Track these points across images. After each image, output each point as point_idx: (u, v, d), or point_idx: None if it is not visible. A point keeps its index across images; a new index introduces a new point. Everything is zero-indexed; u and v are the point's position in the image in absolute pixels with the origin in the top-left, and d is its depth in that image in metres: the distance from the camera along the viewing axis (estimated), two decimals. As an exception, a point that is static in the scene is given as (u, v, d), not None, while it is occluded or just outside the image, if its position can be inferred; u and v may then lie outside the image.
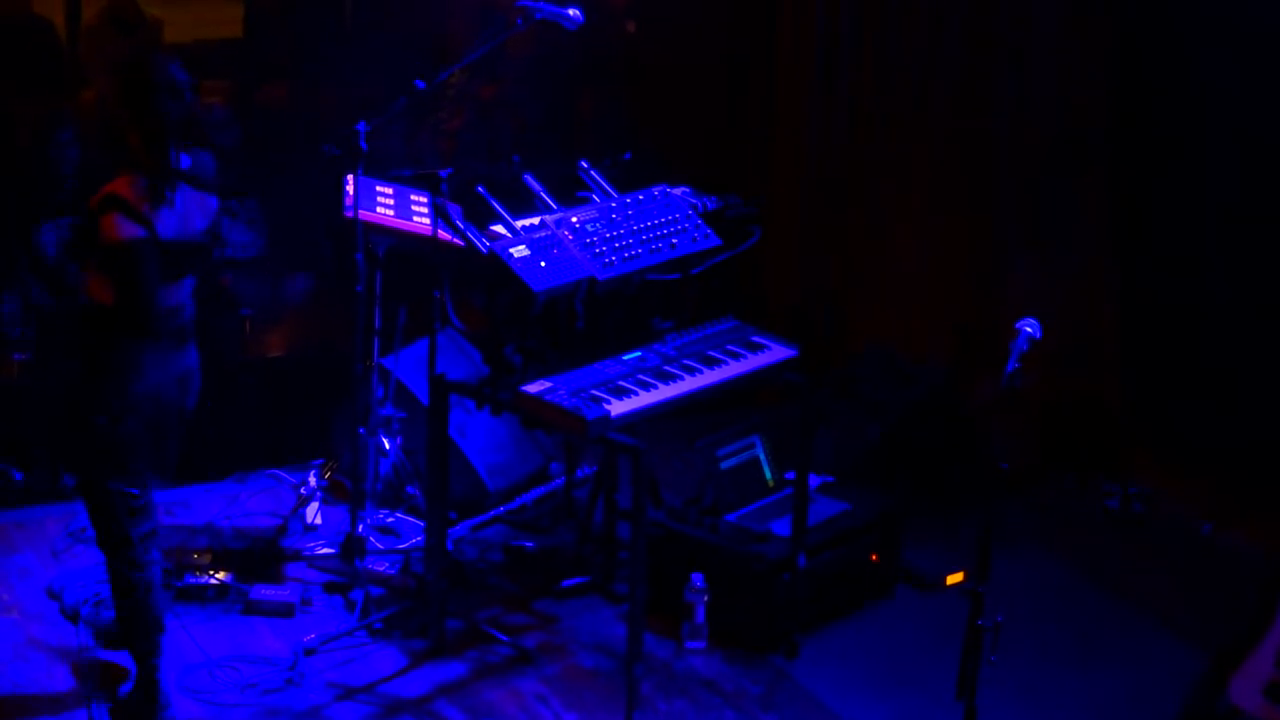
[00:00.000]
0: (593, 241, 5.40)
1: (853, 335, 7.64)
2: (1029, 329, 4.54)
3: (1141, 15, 7.11)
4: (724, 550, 5.72)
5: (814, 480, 6.03)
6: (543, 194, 5.59)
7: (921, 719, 5.35)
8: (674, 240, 5.56)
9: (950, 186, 7.37)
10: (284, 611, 5.78)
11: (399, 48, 7.29)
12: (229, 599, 5.85)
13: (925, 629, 5.84)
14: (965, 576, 4.52)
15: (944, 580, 5.98)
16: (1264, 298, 6.78)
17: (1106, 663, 5.77)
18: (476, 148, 7.52)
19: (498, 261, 5.16)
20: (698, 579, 5.67)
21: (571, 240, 5.36)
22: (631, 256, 5.43)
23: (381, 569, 6.11)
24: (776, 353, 5.55)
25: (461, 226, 5.23)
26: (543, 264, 5.21)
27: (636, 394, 5.15)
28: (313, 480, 6.58)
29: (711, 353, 5.47)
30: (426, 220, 5.60)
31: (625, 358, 5.34)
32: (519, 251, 5.21)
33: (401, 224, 5.86)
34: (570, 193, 5.70)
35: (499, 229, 5.33)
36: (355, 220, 5.74)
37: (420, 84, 5.59)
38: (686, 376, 5.31)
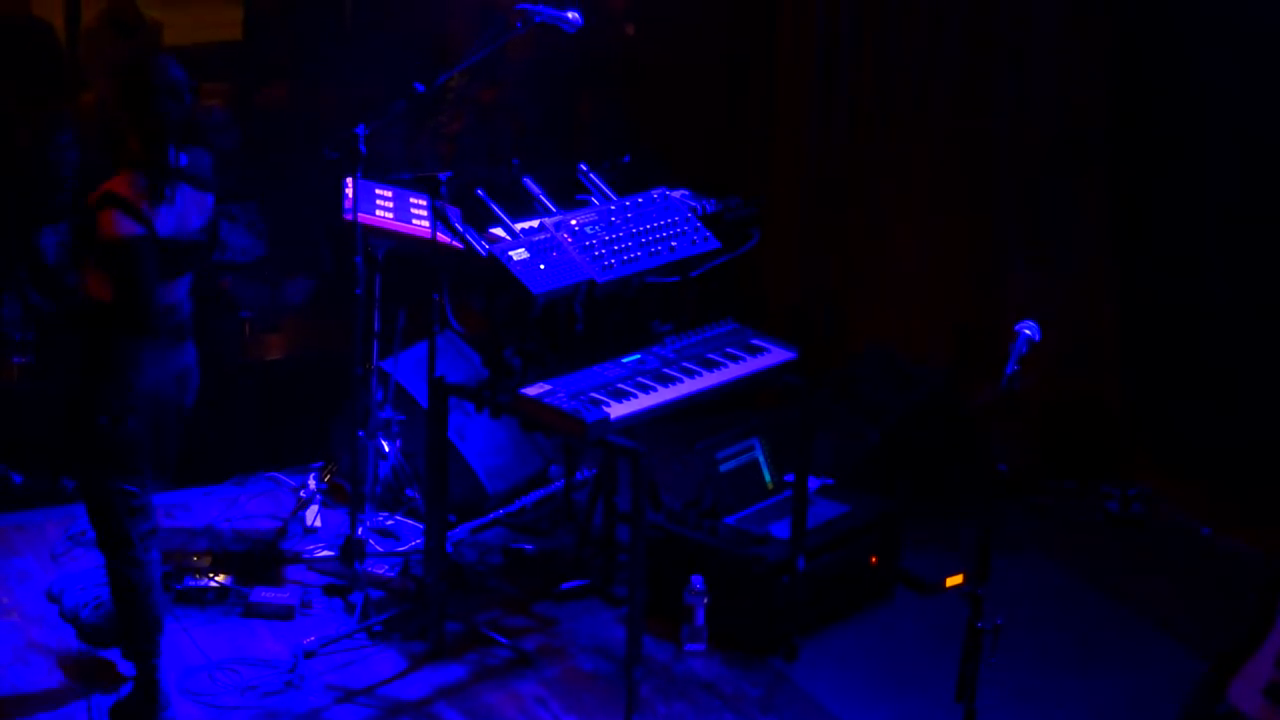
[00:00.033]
0: (592, 244, 5.40)
1: (852, 336, 7.63)
2: (1028, 331, 4.54)
3: (1141, 15, 7.11)
4: (723, 553, 5.72)
5: (813, 483, 6.03)
6: (542, 197, 5.59)
7: (921, 721, 5.36)
8: (673, 243, 5.56)
9: (950, 186, 7.37)
10: (284, 614, 5.78)
11: (398, 50, 7.30)
12: (229, 602, 5.85)
13: (925, 631, 5.84)
14: (964, 579, 4.51)
15: (943, 582, 5.96)
16: (1264, 298, 6.77)
17: (1106, 665, 5.76)
18: (476, 151, 7.53)
19: (497, 264, 5.16)
20: (697, 581, 5.67)
21: (571, 243, 5.36)
22: (631, 259, 5.43)
23: (381, 572, 6.11)
24: (776, 355, 5.55)
25: (461, 229, 5.23)
26: (542, 267, 5.21)
27: (636, 397, 5.15)
28: (312, 483, 6.58)
29: (711, 355, 5.47)
30: (426, 223, 5.60)
31: (624, 360, 5.34)
32: (518, 254, 5.21)
33: (401, 227, 5.86)
34: (569, 195, 5.70)
35: (498, 232, 5.33)
36: (354, 223, 5.74)
37: (419, 87, 5.59)
38: (686, 379, 5.31)
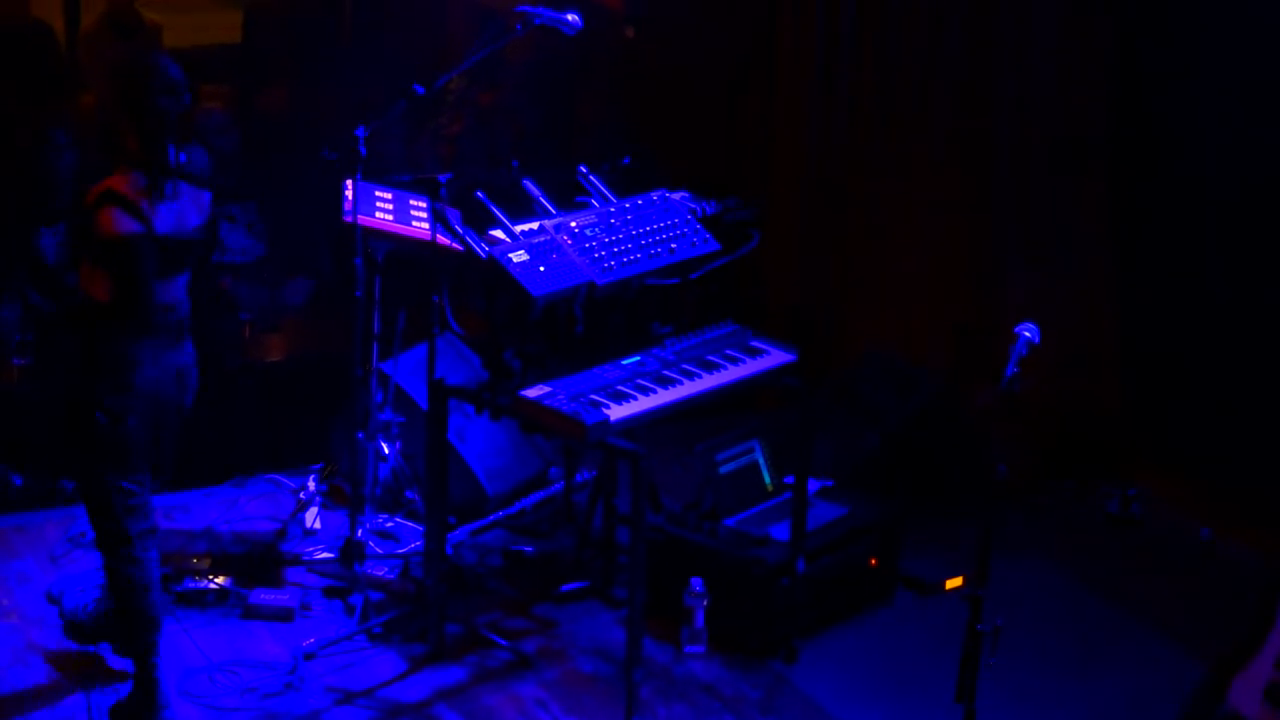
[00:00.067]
0: (592, 246, 5.40)
1: (852, 337, 7.63)
2: (1027, 334, 4.55)
3: (1141, 15, 7.11)
4: (723, 555, 5.72)
5: (813, 485, 6.03)
6: (542, 199, 5.59)
7: (921, 723, 5.37)
8: (673, 245, 5.56)
9: (950, 187, 7.36)
10: (283, 616, 5.78)
11: (398, 53, 7.30)
12: (228, 603, 5.85)
13: (924, 633, 5.84)
14: (964, 581, 4.52)
15: (943, 584, 5.96)
16: (1264, 299, 6.77)
17: (1105, 666, 5.77)
18: (475, 153, 7.53)
19: (497, 266, 5.16)
20: (697, 584, 5.67)
21: (570, 245, 5.36)
22: (630, 261, 5.43)
23: (380, 573, 6.11)
24: (775, 357, 5.55)
25: (460, 231, 5.23)
26: (542, 269, 5.22)
27: (635, 399, 5.15)
28: (312, 485, 6.58)
29: (710, 357, 5.47)
30: (426, 225, 5.61)
31: (624, 362, 5.34)
32: (518, 256, 5.21)
33: (401, 229, 5.86)
34: (569, 198, 5.70)
35: (498, 234, 5.33)
36: (354, 225, 5.75)
37: (419, 89, 5.60)
38: (685, 381, 5.31)
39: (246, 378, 7.02)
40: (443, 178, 5.26)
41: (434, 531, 5.54)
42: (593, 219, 5.52)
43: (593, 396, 5.10)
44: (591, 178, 5.77)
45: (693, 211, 5.73)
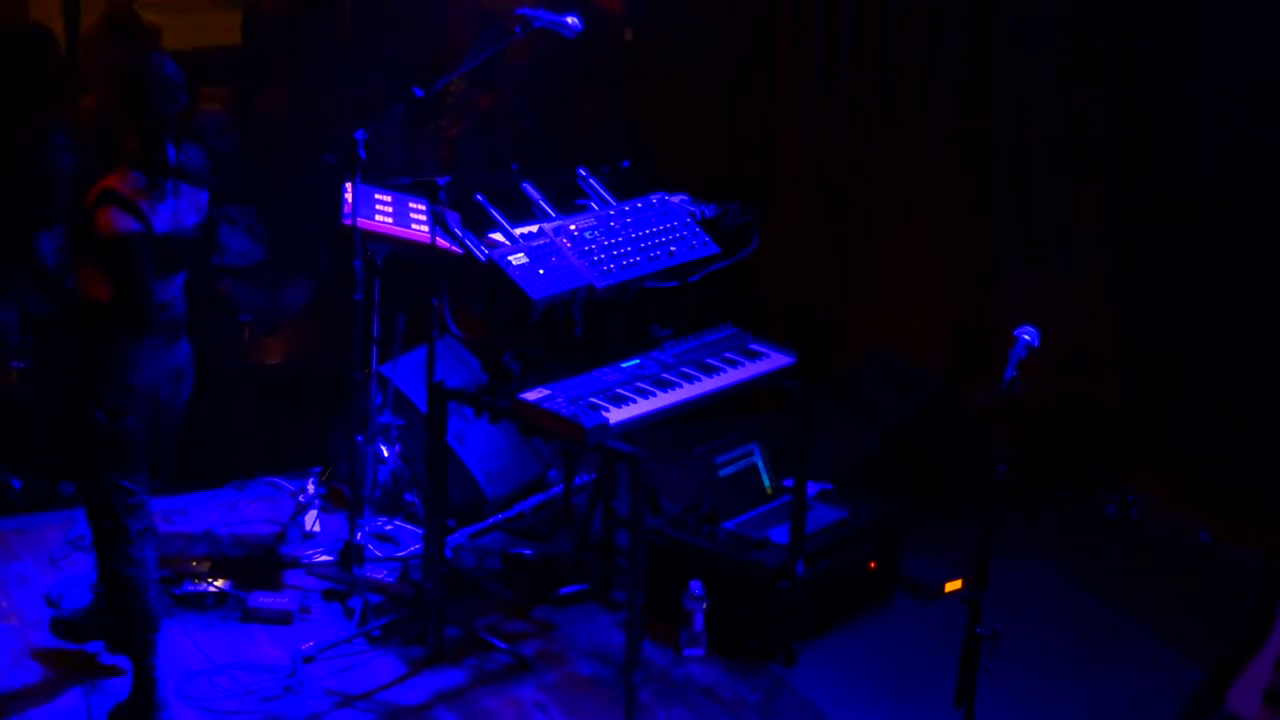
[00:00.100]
0: (591, 249, 5.40)
1: (852, 337, 7.63)
2: (1027, 337, 4.55)
3: (1141, 15, 7.11)
4: (722, 558, 5.72)
5: (812, 487, 6.03)
6: (541, 202, 5.59)
7: (920, 727, 5.36)
8: (672, 248, 5.56)
9: (950, 187, 7.36)
10: (283, 619, 5.78)
11: (398, 55, 7.30)
12: (228, 606, 5.85)
13: (924, 636, 5.84)
14: (964, 584, 4.52)
15: (942, 588, 5.98)
16: (1263, 301, 6.77)
17: (1105, 669, 5.76)
18: (475, 156, 7.53)
19: (496, 269, 5.16)
20: (696, 586, 5.67)
21: (570, 248, 5.36)
22: (630, 264, 5.43)
23: (380, 576, 6.11)
24: (774, 360, 5.55)
25: (460, 234, 5.23)
26: (541, 272, 5.22)
27: (635, 402, 5.15)
28: (311, 488, 6.58)
29: (710, 360, 5.47)
30: (425, 228, 5.61)
31: (623, 365, 5.34)
32: (517, 259, 5.21)
33: (400, 232, 5.86)
34: (569, 200, 5.70)
35: (497, 237, 5.33)
36: (354, 228, 5.75)
37: (419, 92, 5.60)
38: (685, 384, 5.31)
39: (246, 380, 7.02)
40: (442, 181, 5.26)
41: (433, 534, 5.54)
42: (592, 222, 5.53)
43: (592, 399, 5.10)
44: (591, 180, 5.77)
45: (692, 214, 5.73)
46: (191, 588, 5.87)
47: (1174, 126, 7.08)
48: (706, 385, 5.34)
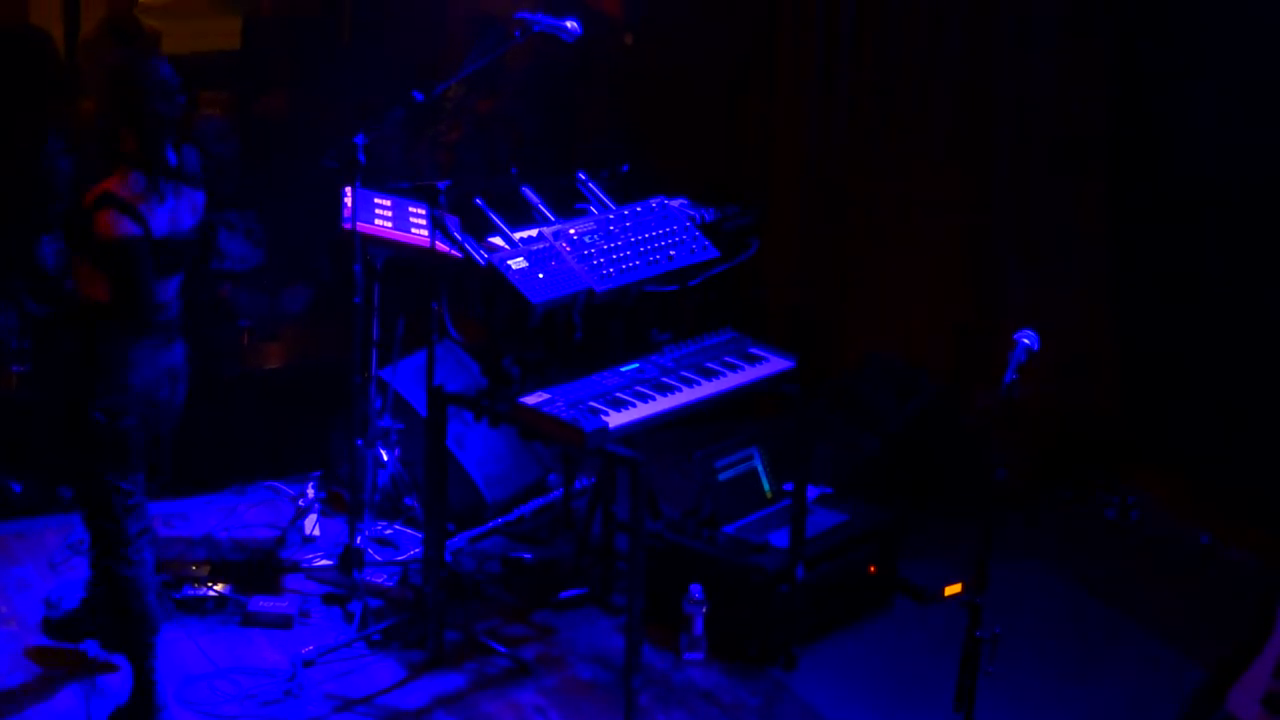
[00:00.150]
0: (591, 253, 5.40)
1: (852, 337, 7.63)
2: (1026, 340, 4.54)
3: (1141, 15, 7.11)
4: (722, 562, 5.72)
5: (812, 491, 6.03)
6: (540, 206, 5.59)
7: (920, 730, 5.36)
8: (672, 252, 5.56)
9: (950, 187, 7.36)
10: (282, 623, 5.78)
11: (397, 59, 7.30)
12: (227, 610, 5.84)
13: (924, 640, 5.84)
14: (963, 588, 4.52)
15: (942, 591, 5.98)
16: (1264, 300, 6.77)
17: (1105, 672, 5.76)
18: (474, 160, 7.53)
19: (496, 273, 5.17)
20: (696, 590, 5.67)
21: (569, 252, 5.36)
22: (629, 268, 5.44)
23: (380, 580, 6.11)
24: (774, 364, 5.55)
25: (459, 238, 5.23)
26: (541, 276, 5.22)
27: (634, 406, 5.15)
28: (311, 492, 6.58)
29: (709, 364, 5.47)
30: (425, 232, 5.61)
31: (623, 369, 5.34)
32: (517, 263, 5.21)
33: (400, 236, 5.87)
34: (568, 204, 5.70)
35: (497, 241, 5.33)
36: (354, 232, 5.75)
37: (418, 96, 5.60)
38: (684, 388, 5.31)
39: (245, 385, 7.01)
40: (442, 185, 5.26)
41: (433, 538, 5.54)
42: (591, 226, 5.53)
43: (591, 403, 5.10)
44: (590, 185, 5.77)
45: (691, 218, 5.73)
46: (191, 591, 5.87)
47: (1174, 126, 7.08)
48: (706, 389, 5.35)
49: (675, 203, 5.80)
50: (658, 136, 7.71)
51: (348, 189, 5.77)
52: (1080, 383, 7.26)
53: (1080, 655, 5.86)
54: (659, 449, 6.27)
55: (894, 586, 6.13)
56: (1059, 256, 7.25)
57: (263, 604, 5.83)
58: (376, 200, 5.87)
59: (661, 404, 5.21)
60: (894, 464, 6.73)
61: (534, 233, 5.41)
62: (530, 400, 5.08)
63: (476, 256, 5.20)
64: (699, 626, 5.68)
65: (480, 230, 5.35)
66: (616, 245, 5.47)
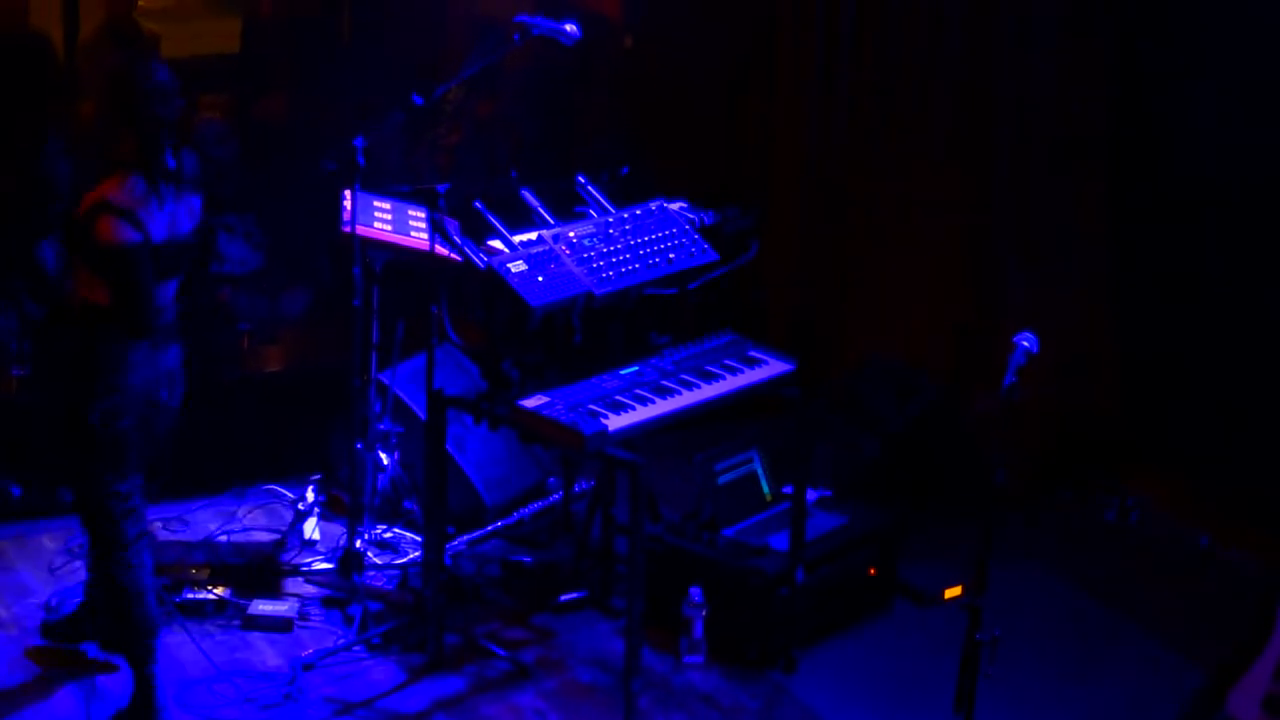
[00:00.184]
0: (590, 256, 5.40)
1: (852, 338, 7.63)
2: (1026, 343, 4.54)
3: (1141, 15, 7.10)
4: (722, 565, 5.72)
5: (812, 494, 6.03)
6: (540, 209, 5.59)
7: (920, 733, 5.36)
8: (671, 255, 5.56)
9: (950, 187, 7.35)
10: (282, 626, 5.78)
11: (397, 63, 7.30)
12: (227, 614, 5.85)
13: (924, 642, 5.83)
14: (963, 590, 4.52)
15: (942, 594, 5.96)
16: (1264, 303, 6.77)
17: (1105, 674, 5.76)
18: (474, 163, 7.53)
19: (495, 276, 5.17)
20: (696, 593, 5.67)
21: (569, 255, 5.36)
22: (628, 271, 5.43)
23: (379, 584, 6.11)
24: (774, 367, 5.55)
25: (459, 241, 5.23)
26: (540, 279, 5.22)
27: (634, 409, 5.15)
28: (311, 495, 6.58)
29: (709, 367, 5.47)
30: (424, 235, 5.61)
31: (623, 373, 5.34)
32: (516, 266, 5.21)
33: (399, 239, 5.86)
34: (568, 208, 5.70)
35: (496, 244, 5.33)
36: (353, 235, 5.75)
37: (418, 99, 5.60)
38: (684, 391, 5.31)
39: (245, 388, 7.02)
40: (441, 188, 5.26)
41: (432, 541, 5.54)
42: (591, 229, 5.53)
43: (591, 406, 5.10)
44: (590, 188, 5.77)
45: (691, 221, 5.73)
46: (191, 595, 5.87)
47: (1174, 126, 7.07)
48: (706, 392, 5.34)
49: (675, 206, 5.80)
50: (657, 139, 7.71)
51: (347, 192, 5.77)
52: (1080, 383, 7.25)
53: (1080, 657, 5.86)
54: (659, 452, 6.26)
55: (894, 589, 6.13)
56: (1059, 256, 7.25)
57: (262, 607, 5.84)
58: (376, 203, 5.87)
59: (661, 407, 5.21)
60: (894, 466, 6.73)
61: (533, 236, 5.41)
62: (530, 403, 5.08)
63: (476, 260, 5.20)
64: (699, 629, 5.67)
65: (480, 233, 5.35)
66: (616, 248, 5.47)
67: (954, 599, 4.60)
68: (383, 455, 6.34)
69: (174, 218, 4.87)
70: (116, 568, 5.00)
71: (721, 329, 5.69)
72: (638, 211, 5.70)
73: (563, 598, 6.04)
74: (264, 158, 7.41)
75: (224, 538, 6.39)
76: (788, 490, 5.94)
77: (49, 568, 6.15)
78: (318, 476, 6.74)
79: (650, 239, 5.57)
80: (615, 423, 5.05)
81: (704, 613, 5.67)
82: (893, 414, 6.88)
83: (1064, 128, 7.18)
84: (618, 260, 5.44)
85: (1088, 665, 5.81)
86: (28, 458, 6.48)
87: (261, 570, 6.12)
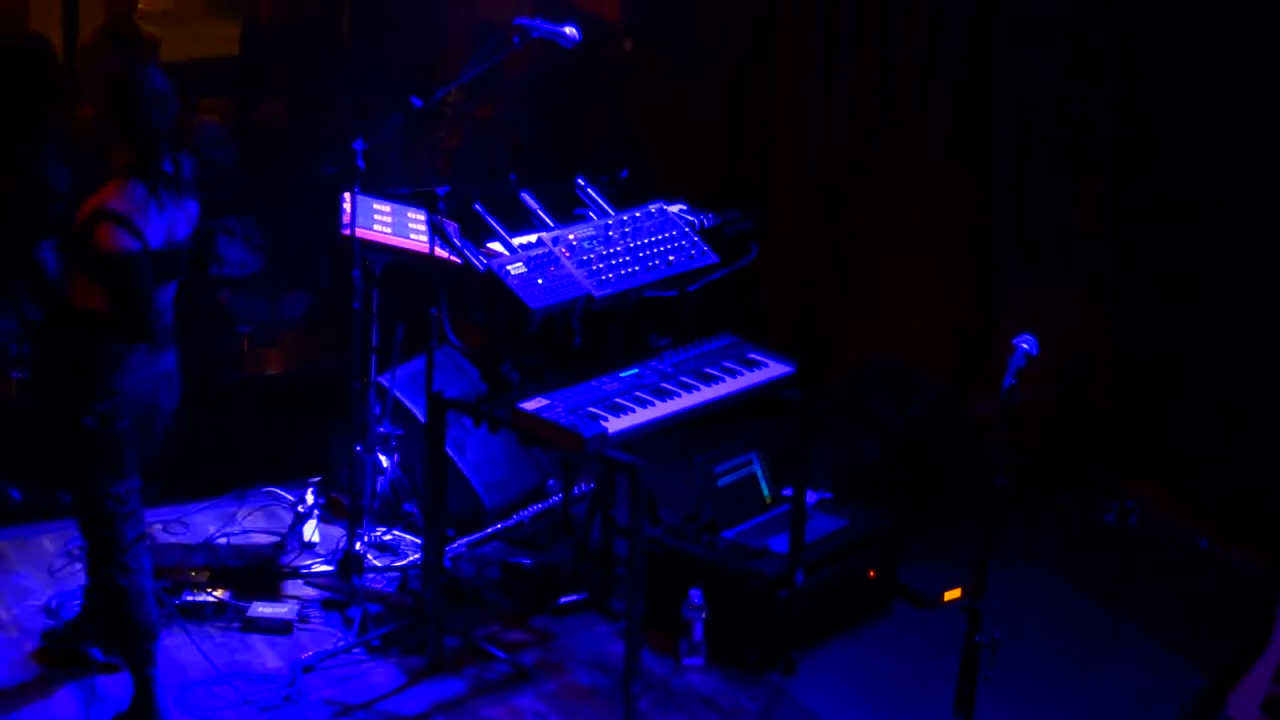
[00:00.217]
0: (590, 259, 5.40)
1: (852, 338, 7.62)
2: (1025, 345, 4.54)
3: (1141, 15, 7.10)
4: (722, 567, 5.72)
5: (811, 496, 6.02)
6: (540, 211, 5.59)
7: (919, 735, 5.36)
8: (671, 257, 5.56)
9: (950, 187, 7.35)
10: (282, 629, 5.78)
11: (396, 66, 7.30)
12: (227, 616, 5.84)
13: (923, 645, 5.83)
14: (963, 592, 4.52)
15: (941, 596, 5.97)
16: (1264, 303, 6.76)
17: (1105, 676, 5.76)
18: (473, 167, 7.53)
19: (495, 279, 5.17)
20: (695, 596, 5.67)
21: (568, 258, 5.36)
22: (628, 274, 5.43)
23: (379, 586, 6.11)
24: (773, 370, 5.55)
25: (459, 244, 5.23)
26: (540, 281, 5.22)
27: (633, 411, 5.15)
28: (310, 498, 6.58)
29: (709, 369, 5.47)
30: (424, 238, 5.61)
31: (622, 375, 5.34)
32: (516, 269, 5.21)
33: (399, 241, 5.86)
34: (567, 210, 5.70)
35: (496, 246, 5.33)
36: (353, 237, 5.75)
37: (417, 102, 5.60)
38: (684, 394, 5.31)
39: (245, 391, 7.02)
40: (441, 190, 5.26)
41: (432, 544, 5.54)
42: (590, 232, 5.53)
43: (591, 409, 5.10)
44: (589, 190, 5.77)
45: (691, 224, 5.73)
46: (191, 597, 5.87)
47: (1174, 126, 7.07)
48: (705, 395, 5.34)
49: (674, 208, 5.80)
50: (657, 141, 7.71)
51: (346, 195, 5.77)
52: (1080, 383, 7.25)
53: (1080, 659, 5.86)
54: (658, 454, 6.25)
55: (893, 591, 6.13)
56: (1059, 256, 7.24)
57: (262, 609, 5.84)
58: (375, 206, 5.87)
59: (661, 409, 5.21)
60: (894, 468, 6.73)
61: (533, 238, 5.41)
62: (529, 406, 5.08)
63: (475, 262, 5.20)
64: (698, 632, 5.67)
65: (479, 236, 5.35)
66: (615, 251, 5.47)
67: (954, 601, 4.60)
68: (382, 458, 6.34)
69: (172, 223, 4.87)
70: (115, 571, 5.00)
71: (721, 331, 5.69)
72: (637, 214, 5.70)
73: (562, 600, 6.04)
74: (263, 161, 7.42)
75: (224, 540, 6.40)
76: (787, 492, 5.94)
77: (49, 570, 6.15)
78: (317, 479, 6.74)
79: (650, 241, 5.57)
80: (615, 425, 5.05)
81: (704, 615, 5.67)
82: (892, 415, 6.88)
83: (1064, 128, 7.18)
84: (617, 263, 5.44)
85: (1087, 667, 5.81)
86: (28, 460, 6.48)
87: (261, 573, 6.12)
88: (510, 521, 6.58)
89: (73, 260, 4.84)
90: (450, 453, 6.08)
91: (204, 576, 6.02)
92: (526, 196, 5.60)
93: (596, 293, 5.32)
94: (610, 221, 5.63)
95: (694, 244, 5.66)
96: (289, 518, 6.55)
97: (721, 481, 5.95)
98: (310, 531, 6.42)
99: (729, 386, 5.42)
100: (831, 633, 5.88)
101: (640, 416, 5.14)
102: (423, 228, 5.68)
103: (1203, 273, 7.00)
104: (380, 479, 6.37)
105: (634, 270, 5.45)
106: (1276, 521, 6.52)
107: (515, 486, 6.65)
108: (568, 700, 5.49)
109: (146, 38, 7.59)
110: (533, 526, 6.59)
